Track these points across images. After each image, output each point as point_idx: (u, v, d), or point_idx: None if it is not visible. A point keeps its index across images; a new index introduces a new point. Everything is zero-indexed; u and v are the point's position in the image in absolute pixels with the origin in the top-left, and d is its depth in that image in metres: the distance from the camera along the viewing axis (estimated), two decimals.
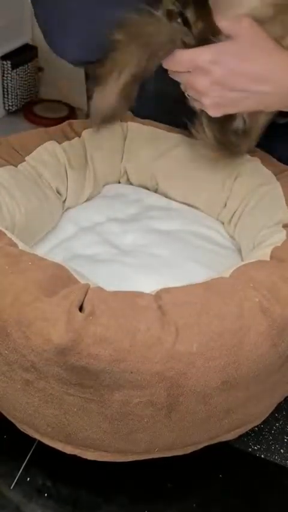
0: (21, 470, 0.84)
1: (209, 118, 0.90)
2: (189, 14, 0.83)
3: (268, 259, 0.87)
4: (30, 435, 0.83)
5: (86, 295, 0.73)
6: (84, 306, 0.71)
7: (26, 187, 1.01)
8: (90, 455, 0.80)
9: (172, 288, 0.80)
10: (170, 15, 0.84)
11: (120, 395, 0.72)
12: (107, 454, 0.80)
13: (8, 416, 0.84)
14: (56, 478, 0.82)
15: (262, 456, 0.89)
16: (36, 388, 0.74)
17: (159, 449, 0.80)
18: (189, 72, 0.84)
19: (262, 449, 0.90)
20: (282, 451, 0.90)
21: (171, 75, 0.88)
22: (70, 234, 1.10)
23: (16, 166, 1.03)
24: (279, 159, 1.08)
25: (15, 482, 0.83)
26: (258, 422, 0.88)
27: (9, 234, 0.84)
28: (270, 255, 0.87)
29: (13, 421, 0.84)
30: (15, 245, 0.82)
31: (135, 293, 0.77)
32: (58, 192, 1.10)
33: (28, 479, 0.83)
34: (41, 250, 1.05)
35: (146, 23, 0.83)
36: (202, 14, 0.83)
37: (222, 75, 0.80)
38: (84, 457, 0.80)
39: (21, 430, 0.84)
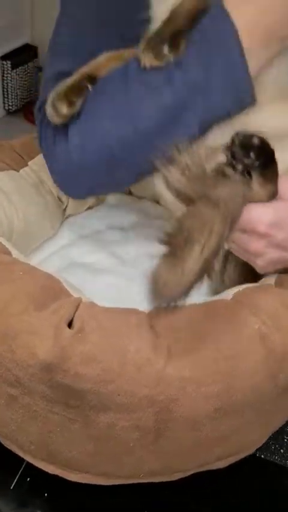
0: (21, 470, 0.82)
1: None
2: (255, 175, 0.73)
3: (273, 283, 0.83)
4: (13, 451, 0.80)
5: (76, 310, 0.70)
6: (74, 322, 0.68)
7: (26, 192, 0.99)
8: (72, 476, 0.77)
9: (168, 307, 0.77)
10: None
11: (106, 417, 0.68)
12: (90, 477, 0.77)
13: None
14: (56, 478, 0.79)
15: (262, 456, 0.87)
16: (20, 404, 0.71)
17: (145, 475, 0.77)
18: (243, 231, 0.76)
19: (262, 449, 0.88)
20: (282, 451, 0.88)
21: None
22: (69, 241, 1.07)
23: (18, 171, 1.00)
24: None
25: (15, 483, 0.81)
26: (252, 450, 0.85)
27: (3, 241, 0.81)
28: (275, 280, 0.84)
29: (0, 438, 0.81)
30: (8, 253, 0.80)
31: (128, 310, 0.74)
32: (59, 199, 1.07)
33: (28, 479, 0.81)
34: (39, 257, 1.02)
35: (218, 182, 0.72)
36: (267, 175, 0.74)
37: (283, 239, 0.75)
38: (67, 478, 0.77)
39: (5, 445, 0.81)
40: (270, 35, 0.73)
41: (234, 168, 0.71)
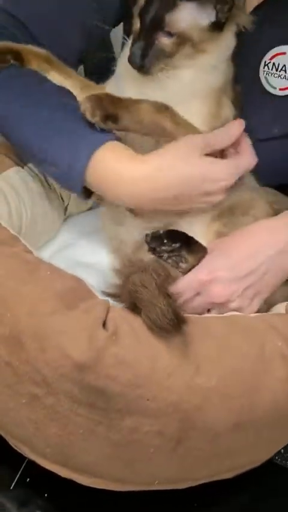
0: (20, 470, 0.81)
1: None
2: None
3: (283, 311, 0.84)
4: (23, 454, 0.79)
5: (108, 312, 0.70)
6: (107, 324, 0.68)
7: (33, 190, 0.98)
8: (86, 481, 0.77)
9: (193, 316, 0.77)
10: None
11: (131, 421, 0.68)
12: (104, 482, 0.77)
13: (1, 432, 0.80)
14: (56, 479, 0.78)
15: None
16: (43, 404, 0.70)
17: (159, 482, 0.77)
18: (198, 294, 0.83)
19: None
20: (282, 451, 0.89)
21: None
22: (71, 241, 1.06)
23: (23, 167, 0.99)
24: None
25: (15, 483, 0.80)
26: (258, 464, 0.86)
27: (23, 240, 0.81)
28: (285, 308, 0.85)
29: (7, 437, 0.80)
30: (30, 252, 0.79)
31: None
32: (61, 197, 1.06)
33: (28, 479, 0.81)
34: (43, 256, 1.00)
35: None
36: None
37: (227, 276, 0.82)
38: (80, 482, 0.77)
39: (13, 447, 0.79)
40: None
41: (162, 257, 0.83)
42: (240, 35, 0.85)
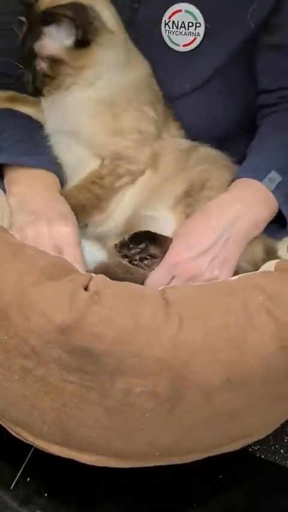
0: (21, 470, 0.81)
1: None
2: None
3: (273, 269, 0.86)
4: (23, 439, 0.79)
5: (90, 280, 0.72)
6: (89, 287, 0.70)
7: None
8: (87, 459, 0.76)
9: (177, 286, 0.79)
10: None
11: (122, 383, 0.69)
12: (105, 459, 0.76)
13: (0, 421, 0.81)
14: (56, 478, 0.80)
15: (262, 456, 0.87)
16: (34, 377, 0.71)
17: (160, 453, 0.76)
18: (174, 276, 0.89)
19: (262, 449, 0.88)
20: (282, 451, 0.88)
21: None
22: None
23: None
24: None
25: (16, 483, 0.80)
26: (261, 435, 0.85)
27: (10, 232, 0.84)
28: (274, 267, 0.86)
29: (5, 424, 0.80)
30: (15, 238, 0.82)
31: (139, 285, 0.76)
32: None
33: (28, 479, 0.81)
34: None
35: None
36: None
37: (190, 254, 0.88)
38: (81, 461, 0.76)
39: (14, 434, 0.80)
40: None
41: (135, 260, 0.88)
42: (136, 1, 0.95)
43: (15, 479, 0.80)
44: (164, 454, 0.77)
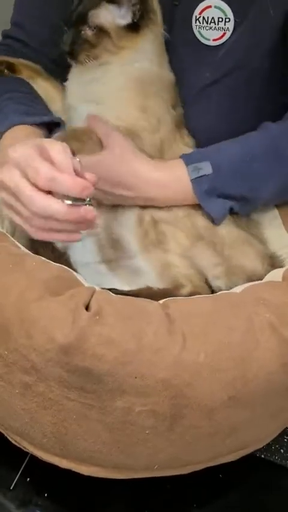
0: (20, 471, 0.81)
1: None
2: None
3: (280, 279, 0.85)
4: (23, 447, 0.79)
5: (92, 296, 0.71)
6: (91, 305, 0.69)
7: None
8: (85, 470, 0.76)
9: (180, 298, 0.78)
10: None
11: (123, 402, 0.68)
12: (103, 470, 0.76)
13: (1, 428, 0.81)
14: (55, 479, 0.79)
15: (262, 456, 0.87)
16: (34, 393, 0.70)
17: (159, 466, 0.76)
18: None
19: (262, 449, 0.87)
20: (282, 451, 0.88)
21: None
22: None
23: None
24: None
25: (15, 483, 0.80)
26: (260, 445, 0.85)
27: (11, 238, 0.83)
28: (282, 276, 0.85)
29: (5, 433, 0.80)
30: (18, 247, 0.81)
31: (142, 300, 0.75)
32: None
33: (28, 479, 0.81)
34: None
35: None
36: None
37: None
38: (79, 472, 0.76)
39: (14, 442, 0.80)
40: None
41: None
42: None
43: (15, 480, 0.81)
44: (163, 466, 0.77)
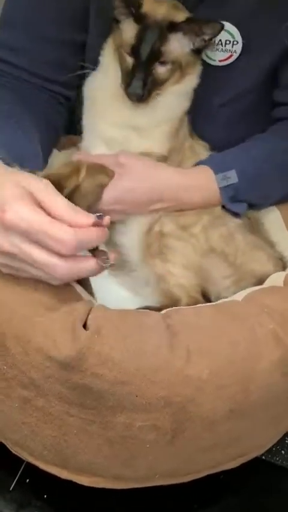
0: (20, 471, 0.81)
1: None
2: None
3: (282, 284, 0.84)
4: (23, 458, 0.78)
5: (89, 313, 0.69)
6: (89, 323, 0.68)
7: None
8: (85, 481, 0.76)
9: (181, 308, 0.77)
10: None
11: (123, 418, 0.68)
12: (103, 480, 0.76)
13: (0, 439, 0.80)
14: (55, 480, 0.78)
15: (263, 457, 0.87)
16: (34, 407, 0.70)
17: (160, 476, 0.76)
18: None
19: None
20: (283, 452, 0.88)
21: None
22: None
23: None
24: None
25: (15, 484, 0.80)
26: (262, 451, 0.85)
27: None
28: (284, 280, 0.84)
29: (5, 442, 0.80)
30: None
31: (142, 312, 0.73)
32: None
33: (28, 480, 0.81)
34: None
35: None
36: None
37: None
38: (80, 482, 0.76)
39: (14, 452, 0.79)
40: None
41: None
42: None
43: (15, 481, 0.81)
44: (164, 476, 0.77)
